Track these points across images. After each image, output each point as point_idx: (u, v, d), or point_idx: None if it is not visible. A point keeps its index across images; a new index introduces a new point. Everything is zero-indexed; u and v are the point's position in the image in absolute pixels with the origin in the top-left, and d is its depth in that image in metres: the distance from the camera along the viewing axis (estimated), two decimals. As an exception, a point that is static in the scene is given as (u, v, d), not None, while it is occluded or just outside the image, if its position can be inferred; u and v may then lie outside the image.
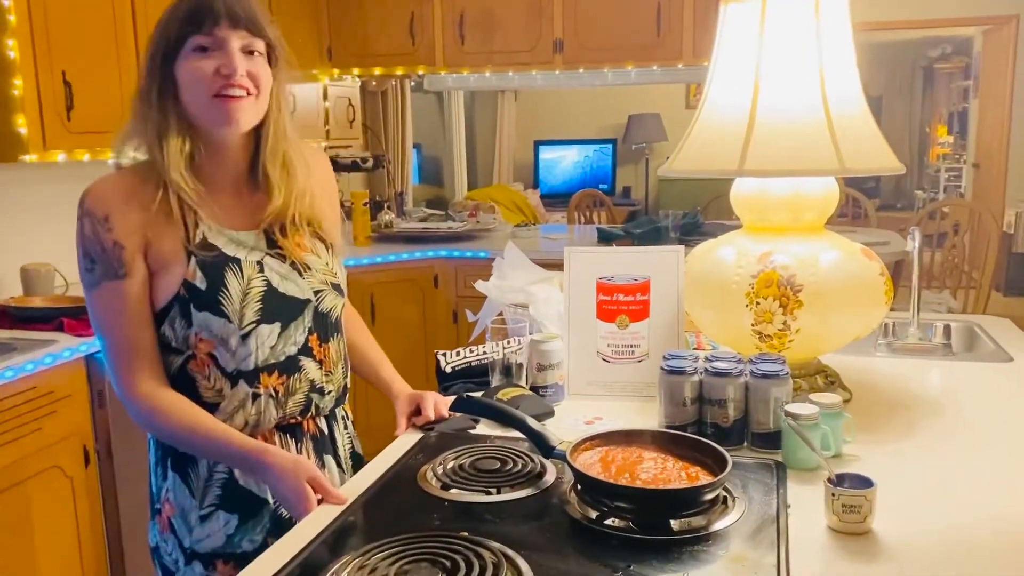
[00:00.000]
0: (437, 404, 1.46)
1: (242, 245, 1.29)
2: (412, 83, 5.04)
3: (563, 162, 8.00)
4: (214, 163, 1.29)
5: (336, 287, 1.37)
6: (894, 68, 9.83)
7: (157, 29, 1.25)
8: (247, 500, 1.30)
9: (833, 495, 1.08)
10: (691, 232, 3.61)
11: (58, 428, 2.14)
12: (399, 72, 4.06)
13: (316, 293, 1.33)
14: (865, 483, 1.09)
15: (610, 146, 7.92)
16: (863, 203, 4.60)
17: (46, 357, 2.12)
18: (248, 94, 1.24)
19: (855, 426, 1.34)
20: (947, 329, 2.07)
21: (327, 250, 1.38)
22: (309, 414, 1.35)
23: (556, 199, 7.34)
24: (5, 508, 2.02)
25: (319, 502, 1.18)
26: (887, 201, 9.46)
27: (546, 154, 7.97)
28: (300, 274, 1.32)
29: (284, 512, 1.28)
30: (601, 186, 7.45)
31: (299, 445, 1.34)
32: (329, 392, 1.37)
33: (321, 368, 1.35)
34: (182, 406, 1.26)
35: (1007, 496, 1.20)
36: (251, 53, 1.25)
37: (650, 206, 7.59)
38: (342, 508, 1.17)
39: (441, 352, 1.70)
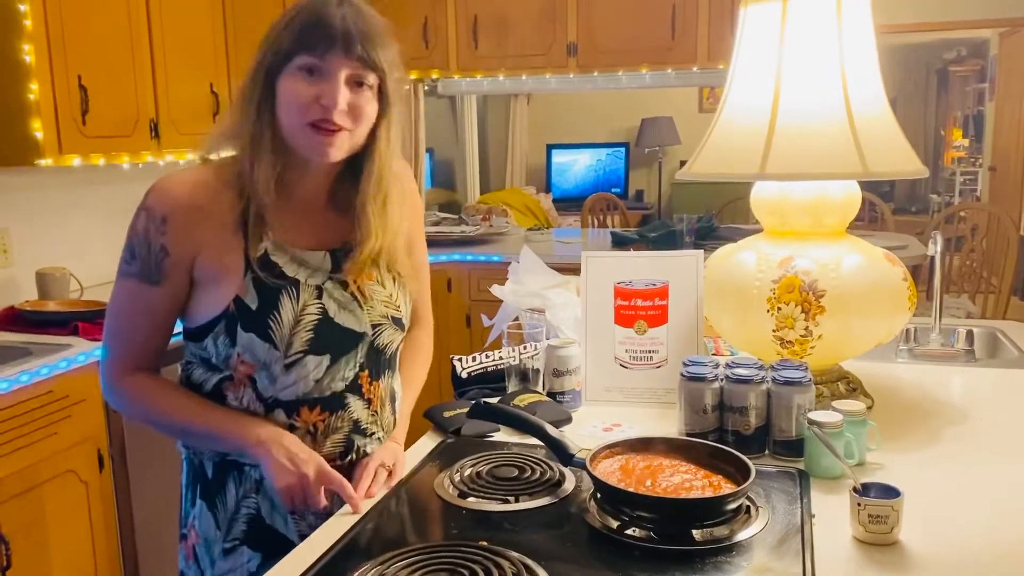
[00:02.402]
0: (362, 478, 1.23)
1: (305, 266, 1.22)
2: (425, 88, 5.03)
3: (576, 166, 7.98)
4: (297, 181, 1.23)
5: (397, 321, 1.29)
6: (908, 71, 9.76)
7: (270, 34, 1.18)
8: (272, 539, 1.23)
9: (859, 505, 1.06)
10: (705, 236, 3.59)
11: (73, 432, 2.14)
12: (413, 76, 4.06)
13: (375, 327, 1.25)
14: (891, 493, 1.06)
15: (623, 150, 7.89)
16: (880, 207, 4.56)
17: (61, 361, 2.11)
18: (343, 129, 1.16)
19: (879, 434, 1.32)
20: (970, 335, 2.04)
21: (394, 282, 1.29)
22: (349, 458, 1.26)
23: (569, 203, 7.31)
24: (21, 512, 2.01)
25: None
26: (901, 205, 9.38)
27: (559, 158, 7.95)
28: (360, 305, 1.24)
29: None
30: (614, 190, 7.42)
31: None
32: (373, 434, 1.28)
33: (369, 408, 1.27)
34: (169, 389, 1.22)
35: (1037, 506, 1.18)
36: (359, 84, 1.17)
37: (663, 210, 7.56)
38: (359, 516, 1.15)
39: (457, 357, 1.68)
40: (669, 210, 7.35)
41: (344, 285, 1.24)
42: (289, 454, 1.18)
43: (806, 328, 1.42)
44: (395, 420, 1.34)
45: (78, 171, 2.58)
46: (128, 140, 2.60)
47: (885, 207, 4.55)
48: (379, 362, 1.28)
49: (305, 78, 1.15)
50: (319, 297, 1.21)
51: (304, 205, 1.25)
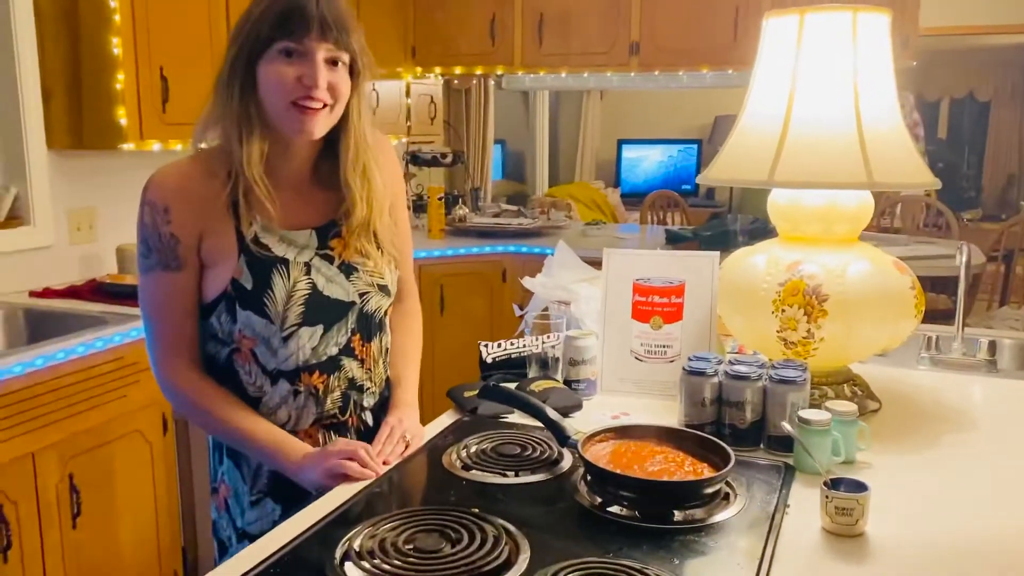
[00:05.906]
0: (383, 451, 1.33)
1: (293, 244, 1.32)
2: (494, 81, 5.15)
3: (646, 162, 7.99)
4: (281, 162, 1.32)
5: (383, 288, 1.40)
6: (1005, 73, 9.39)
7: (245, 24, 1.27)
8: (292, 490, 1.33)
9: (827, 497, 1.13)
10: (758, 236, 3.58)
11: (140, 396, 2.33)
12: (478, 72, 4.17)
13: (362, 295, 1.37)
14: (860, 488, 1.12)
15: (695, 147, 7.86)
16: (946, 214, 4.47)
17: (132, 331, 2.30)
18: (324, 106, 1.26)
19: (871, 435, 1.37)
20: (992, 345, 2.04)
21: (378, 250, 1.39)
22: (349, 412, 1.39)
23: (637, 198, 7.31)
24: (93, 466, 2.21)
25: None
26: (991, 212, 9.06)
27: (629, 153, 7.98)
28: (347, 276, 1.35)
29: None
30: (684, 187, 7.41)
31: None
32: (368, 389, 1.41)
33: (363, 366, 1.39)
34: (219, 395, 1.32)
35: (1014, 512, 1.22)
36: (334, 63, 1.27)
37: (733, 208, 7.51)
38: (364, 484, 1.25)
39: (484, 343, 1.79)
40: (739, 209, 7.30)
41: (331, 260, 1.35)
42: (321, 456, 1.29)
43: (808, 331, 1.47)
44: (386, 375, 1.46)
45: (157, 155, 2.77)
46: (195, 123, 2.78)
47: (951, 215, 4.45)
48: (370, 326, 1.40)
49: (285, 61, 1.25)
50: (308, 273, 1.32)
51: (289, 186, 1.34)
